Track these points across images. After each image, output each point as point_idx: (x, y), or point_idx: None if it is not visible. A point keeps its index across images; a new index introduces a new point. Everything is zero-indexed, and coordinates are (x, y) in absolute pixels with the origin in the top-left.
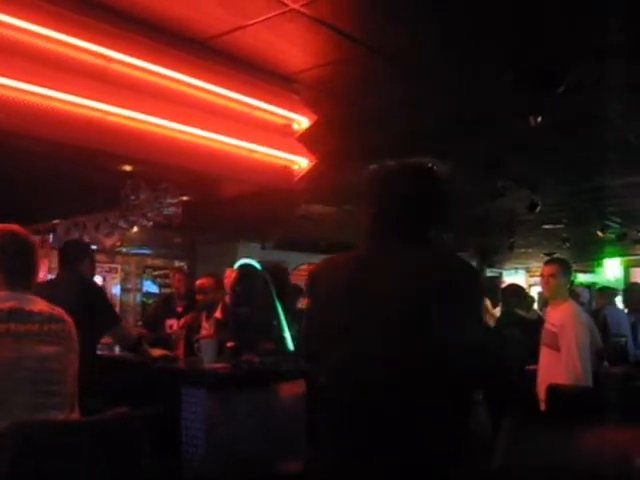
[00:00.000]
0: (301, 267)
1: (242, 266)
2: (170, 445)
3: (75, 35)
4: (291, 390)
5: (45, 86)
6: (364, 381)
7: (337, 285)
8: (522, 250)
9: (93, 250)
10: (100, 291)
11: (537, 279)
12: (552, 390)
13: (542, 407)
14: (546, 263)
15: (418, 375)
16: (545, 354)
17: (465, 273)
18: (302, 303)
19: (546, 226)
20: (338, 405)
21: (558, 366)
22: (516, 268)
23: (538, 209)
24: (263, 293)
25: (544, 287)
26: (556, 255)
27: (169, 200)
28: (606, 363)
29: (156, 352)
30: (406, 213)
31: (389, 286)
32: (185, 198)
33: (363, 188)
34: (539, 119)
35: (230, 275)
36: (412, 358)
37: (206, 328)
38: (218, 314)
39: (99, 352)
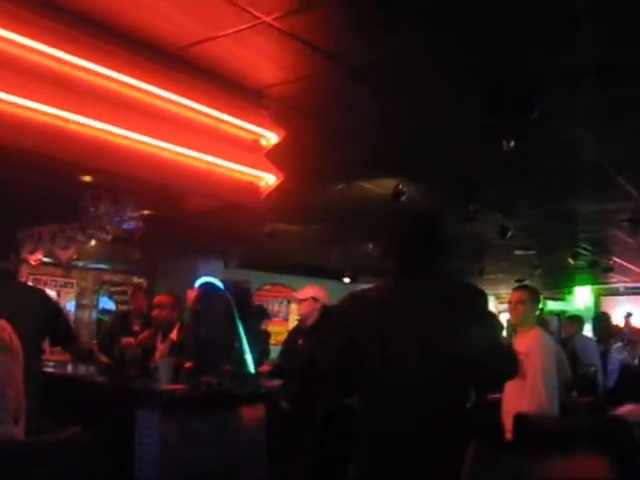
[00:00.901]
0: (265, 287)
1: (203, 284)
2: (123, 469)
3: (38, 39)
4: (251, 414)
5: (2, 90)
6: (412, 402)
7: (374, 317)
8: (492, 276)
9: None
10: (56, 305)
11: (506, 305)
12: (518, 419)
13: (508, 435)
14: (515, 290)
15: (456, 391)
16: (511, 382)
17: (481, 295)
18: (266, 324)
19: (518, 252)
20: (386, 429)
21: (524, 394)
22: None
23: (509, 234)
24: (224, 313)
25: (512, 314)
26: (525, 282)
27: (130, 213)
28: (575, 393)
29: (104, 359)
30: (427, 251)
31: (424, 315)
32: (147, 212)
33: (386, 231)
34: (512, 143)
35: (191, 294)
36: (453, 376)
37: (161, 350)
38: (174, 335)
39: (51, 370)
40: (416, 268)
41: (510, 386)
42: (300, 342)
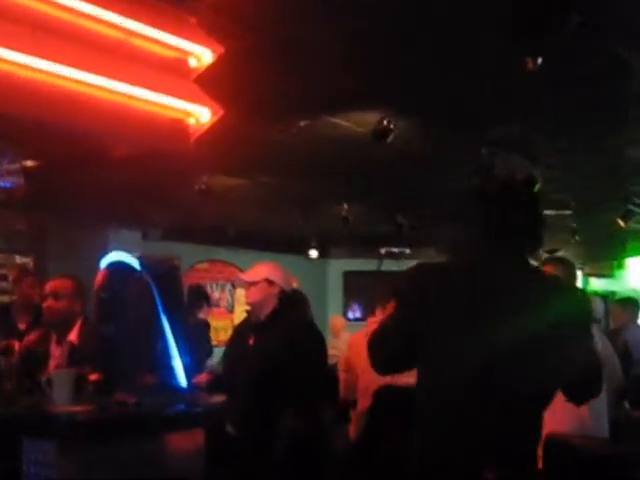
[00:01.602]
0: (199, 265)
1: (112, 264)
2: None
3: None
4: (183, 442)
5: None
6: (495, 383)
7: (463, 295)
8: None
9: None
10: None
11: None
12: (551, 442)
13: (539, 464)
14: (545, 262)
15: (542, 379)
16: None
17: (586, 302)
18: (205, 313)
19: (548, 212)
20: (459, 408)
21: (558, 407)
22: None
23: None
24: (142, 303)
25: None
26: (558, 253)
27: (7, 166)
28: (627, 404)
29: None
30: (521, 228)
31: (525, 304)
32: (30, 163)
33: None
34: (539, 61)
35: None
36: (539, 363)
37: (56, 357)
38: (73, 336)
39: None
40: (512, 244)
41: None
42: (250, 342)
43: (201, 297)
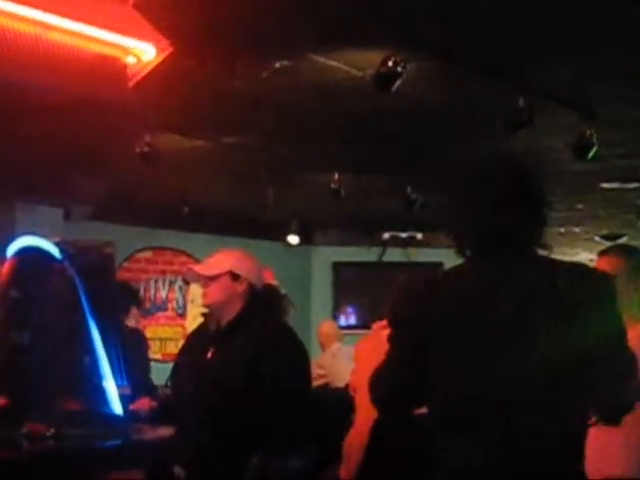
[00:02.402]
0: (140, 254)
1: (23, 252)
2: None
3: None
4: None
5: None
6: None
7: (461, 309)
8: (561, 230)
9: None
10: None
11: None
12: None
13: None
14: (603, 253)
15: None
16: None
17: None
18: (136, 320)
19: (607, 185)
20: (476, 424)
21: (614, 438)
22: None
23: (592, 152)
24: (63, 303)
25: None
26: (621, 240)
27: None
28: None
29: None
30: (524, 216)
31: (533, 309)
32: None
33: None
34: None
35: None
36: (569, 376)
37: None
38: None
39: None
40: (508, 241)
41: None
42: (209, 354)
43: (128, 297)
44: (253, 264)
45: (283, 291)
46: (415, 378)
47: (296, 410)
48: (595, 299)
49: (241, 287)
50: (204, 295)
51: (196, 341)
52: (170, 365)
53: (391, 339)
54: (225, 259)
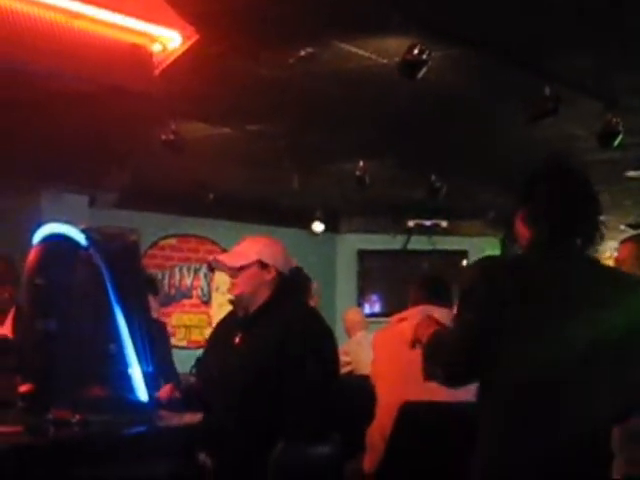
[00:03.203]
0: (165, 242)
1: (49, 239)
2: None
3: None
4: (143, 475)
5: None
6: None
7: (534, 288)
8: None
9: None
10: None
11: None
12: None
13: None
14: (623, 242)
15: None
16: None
17: None
18: (157, 310)
19: (632, 173)
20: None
21: None
22: None
23: (618, 140)
24: (89, 291)
25: None
26: None
27: None
28: None
29: None
30: (588, 220)
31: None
32: None
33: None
34: None
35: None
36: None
37: None
38: (6, 329)
39: None
40: (575, 235)
41: None
42: (237, 341)
43: (148, 285)
44: (280, 250)
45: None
46: (480, 350)
47: (322, 396)
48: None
49: (270, 275)
50: (233, 285)
51: (224, 329)
52: (196, 352)
53: (460, 315)
54: (252, 248)
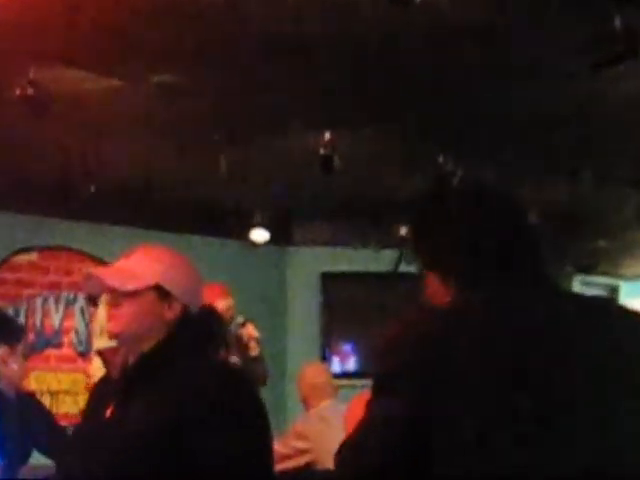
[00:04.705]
0: (22, 256)
1: None
2: None
3: None
4: None
5: None
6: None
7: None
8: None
9: None
10: None
11: None
12: None
13: None
14: None
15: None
16: None
17: None
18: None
19: None
20: None
21: None
22: None
23: None
24: None
25: None
26: None
27: None
28: None
29: None
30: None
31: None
32: None
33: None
34: None
35: None
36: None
37: None
38: None
39: None
40: (525, 269)
41: None
42: (107, 413)
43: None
44: (190, 275)
45: (240, 319)
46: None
47: None
48: None
49: (171, 312)
50: (111, 319)
51: (97, 396)
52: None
53: (383, 397)
54: (149, 265)
